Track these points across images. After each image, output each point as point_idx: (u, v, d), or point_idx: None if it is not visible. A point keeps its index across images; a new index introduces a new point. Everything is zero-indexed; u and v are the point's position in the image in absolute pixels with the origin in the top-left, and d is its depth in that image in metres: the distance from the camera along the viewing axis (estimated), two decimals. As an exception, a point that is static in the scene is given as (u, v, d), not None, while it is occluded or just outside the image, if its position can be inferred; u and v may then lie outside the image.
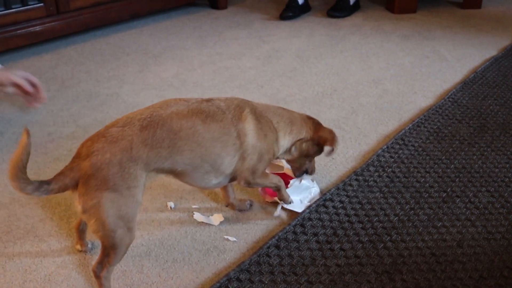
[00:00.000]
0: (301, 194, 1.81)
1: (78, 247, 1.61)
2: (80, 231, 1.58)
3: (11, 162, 1.26)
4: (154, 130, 1.38)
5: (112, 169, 1.31)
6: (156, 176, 1.46)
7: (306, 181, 1.84)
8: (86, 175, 1.31)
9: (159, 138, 1.38)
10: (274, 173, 1.85)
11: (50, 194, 1.32)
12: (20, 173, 1.27)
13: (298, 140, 1.69)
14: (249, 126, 1.55)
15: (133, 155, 1.34)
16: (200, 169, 1.48)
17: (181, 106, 1.46)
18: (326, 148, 1.73)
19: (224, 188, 1.75)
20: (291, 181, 1.83)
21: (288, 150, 1.71)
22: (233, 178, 1.61)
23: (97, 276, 1.41)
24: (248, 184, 1.61)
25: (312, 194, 1.83)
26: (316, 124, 1.72)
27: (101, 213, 1.31)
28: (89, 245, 1.62)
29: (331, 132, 1.71)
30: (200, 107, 1.48)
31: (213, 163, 1.49)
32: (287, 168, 1.88)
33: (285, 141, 1.67)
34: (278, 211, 1.74)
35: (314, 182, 1.88)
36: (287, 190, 1.77)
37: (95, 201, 1.31)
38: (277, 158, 1.72)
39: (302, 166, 1.79)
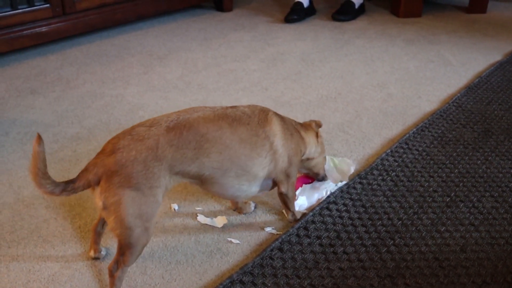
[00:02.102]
0: (312, 197, 1.83)
1: (92, 253, 1.58)
2: (97, 234, 1.56)
3: (31, 173, 1.28)
4: (181, 132, 1.39)
5: (137, 167, 1.32)
6: (181, 180, 1.44)
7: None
8: (110, 171, 1.31)
9: (185, 140, 1.39)
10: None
11: (77, 191, 1.34)
12: (43, 179, 1.29)
13: (317, 137, 1.73)
14: (276, 128, 1.56)
15: (158, 155, 1.35)
16: (230, 172, 1.48)
17: (207, 112, 1.47)
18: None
19: None
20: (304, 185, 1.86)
21: (314, 150, 1.73)
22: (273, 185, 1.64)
23: (112, 275, 1.41)
24: (285, 190, 1.63)
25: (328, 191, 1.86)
26: (304, 125, 1.77)
27: (121, 210, 1.32)
28: (103, 252, 1.60)
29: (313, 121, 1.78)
30: (226, 112, 1.50)
31: (243, 165, 1.49)
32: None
33: (308, 138, 1.69)
34: (290, 216, 1.75)
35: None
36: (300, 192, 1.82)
37: (116, 198, 1.31)
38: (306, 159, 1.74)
39: (321, 169, 1.82)
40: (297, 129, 1.67)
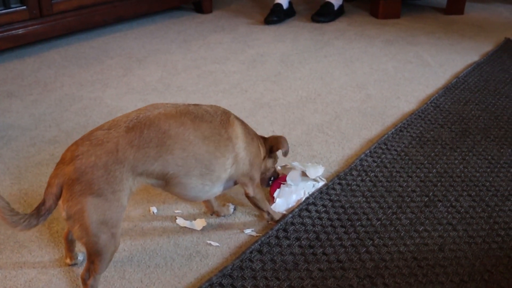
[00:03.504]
0: (290, 198, 1.83)
1: (68, 260, 1.56)
2: (69, 242, 1.53)
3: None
4: (141, 131, 1.35)
5: (97, 173, 1.28)
6: (145, 181, 1.40)
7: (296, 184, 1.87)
8: (70, 180, 1.27)
9: (146, 138, 1.35)
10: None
11: (51, 211, 1.31)
12: (13, 217, 1.27)
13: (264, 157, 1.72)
14: (238, 130, 1.55)
15: (119, 157, 1.31)
16: (194, 171, 1.44)
17: (169, 108, 1.44)
18: (280, 152, 1.76)
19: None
20: (282, 186, 1.85)
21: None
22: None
23: (85, 283, 1.39)
24: (252, 193, 1.63)
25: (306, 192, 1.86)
26: (264, 139, 1.74)
27: (85, 218, 1.28)
28: (80, 258, 1.57)
29: (277, 137, 1.73)
30: (188, 109, 1.47)
31: (208, 163, 1.46)
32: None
33: (263, 150, 1.70)
34: (267, 215, 1.75)
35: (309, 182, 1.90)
36: (278, 193, 1.82)
37: (79, 206, 1.28)
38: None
39: (265, 178, 1.82)
40: (256, 135, 1.67)
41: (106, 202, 1.30)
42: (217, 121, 1.50)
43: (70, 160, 1.30)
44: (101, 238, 1.32)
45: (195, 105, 1.52)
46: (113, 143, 1.32)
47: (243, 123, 1.60)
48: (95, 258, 1.35)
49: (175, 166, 1.41)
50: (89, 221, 1.29)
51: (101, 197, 1.29)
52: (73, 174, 1.27)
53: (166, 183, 1.44)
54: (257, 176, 1.63)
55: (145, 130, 1.35)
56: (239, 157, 1.54)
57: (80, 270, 1.55)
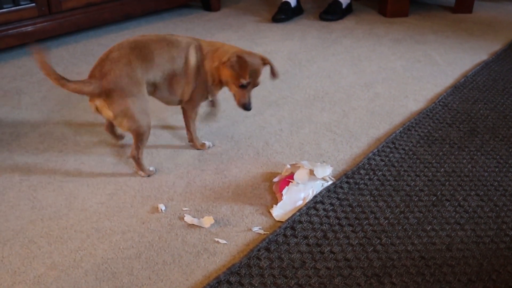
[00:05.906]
0: (297, 196, 1.83)
1: (116, 140, 2.19)
2: (111, 128, 2.13)
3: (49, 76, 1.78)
4: (140, 50, 1.86)
5: (124, 80, 1.79)
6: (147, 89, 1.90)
7: (303, 184, 1.87)
8: (107, 90, 1.77)
9: (144, 55, 1.86)
10: (281, 180, 1.92)
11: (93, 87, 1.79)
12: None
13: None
14: (192, 56, 1.97)
15: (133, 67, 1.82)
16: (165, 81, 1.94)
17: (152, 36, 1.95)
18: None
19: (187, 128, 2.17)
20: (290, 185, 1.86)
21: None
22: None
23: (137, 159, 1.94)
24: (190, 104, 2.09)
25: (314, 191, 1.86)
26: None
27: (130, 112, 1.82)
28: (124, 134, 2.20)
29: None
30: (165, 37, 1.97)
31: (173, 75, 1.94)
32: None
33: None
34: (275, 211, 1.78)
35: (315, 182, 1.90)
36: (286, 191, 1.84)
37: (122, 106, 1.80)
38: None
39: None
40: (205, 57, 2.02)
41: (137, 98, 1.83)
42: (182, 47, 1.96)
43: (101, 76, 1.78)
44: (143, 122, 1.87)
45: (171, 35, 2.00)
46: (126, 58, 1.82)
47: (196, 51, 1.98)
48: (142, 137, 1.90)
49: (158, 77, 1.91)
50: (132, 113, 1.83)
51: (134, 96, 1.82)
52: (108, 85, 1.78)
53: (155, 90, 1.95)
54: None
55: (142, 49, 1.87)
56: (189, 77, 1.98)
57: (88, 265, 1.56)
